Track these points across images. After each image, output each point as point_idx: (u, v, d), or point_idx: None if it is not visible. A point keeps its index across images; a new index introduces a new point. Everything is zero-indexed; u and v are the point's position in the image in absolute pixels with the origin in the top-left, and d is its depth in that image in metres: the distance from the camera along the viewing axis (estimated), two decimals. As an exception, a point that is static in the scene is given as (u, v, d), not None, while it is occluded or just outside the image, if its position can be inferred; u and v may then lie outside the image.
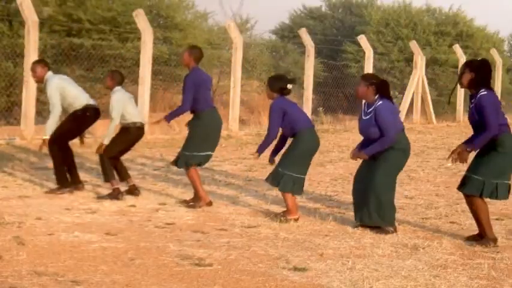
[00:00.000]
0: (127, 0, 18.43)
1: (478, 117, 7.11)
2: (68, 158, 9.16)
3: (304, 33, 19.54)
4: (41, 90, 14.52)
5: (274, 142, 8.32)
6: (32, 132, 13.48)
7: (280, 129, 8.19)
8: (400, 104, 21.51)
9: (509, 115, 7.71)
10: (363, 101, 7.91)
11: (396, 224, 7.76)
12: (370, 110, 7.67)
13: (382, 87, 7.73)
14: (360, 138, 8.00)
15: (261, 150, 8.24)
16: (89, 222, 7.58)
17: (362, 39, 21.59)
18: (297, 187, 8.04)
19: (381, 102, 7.64)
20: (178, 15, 20.12)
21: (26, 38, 13.70)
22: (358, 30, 27.32)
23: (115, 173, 9.01)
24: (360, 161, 7.94)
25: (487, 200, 7.31)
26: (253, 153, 8.46)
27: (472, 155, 7.35)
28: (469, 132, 7.53)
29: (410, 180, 11.01)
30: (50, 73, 9.11)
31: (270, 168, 8.39)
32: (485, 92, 7.12)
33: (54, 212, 7.91)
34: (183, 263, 6.16)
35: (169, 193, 9.41)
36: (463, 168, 7.64)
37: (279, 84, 8.19)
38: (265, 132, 8.22)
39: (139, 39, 15.92)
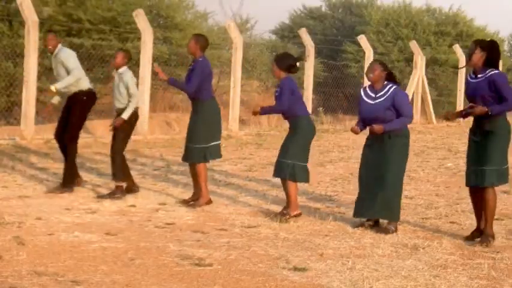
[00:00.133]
0: (127, 0, 18.42)
1: (491, 92, 7.16)
2: None
3: (304, 33, 19.54)
4: (41, 90, 14.56)
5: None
6: (32, 132, 13.48)
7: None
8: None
9: (510, 115, 7.71)
10: (365, 87, 7.91)
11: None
12: (381, 94, 7.73)
13: (391, 75, 7.94)
14: (358, 136, 7.99)
15: (264, 111, 8.34)
16: (89, 222, 7.58)
17: (362, 39, 21.59)
18: (307, 175, 8.18)
19: (395, 86, 7.79)
20: (178, 15, 20.11)
21: (26, 38, 13.70)
22: (358, 30, 27.31)
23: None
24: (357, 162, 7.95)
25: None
26: (255, 109, 8.37)
27: (465, 151, 7.39)
28: (469, 132, 7.56)
29: (410, 180, 11.00)
30: (60, 45, 9.39)
31: (271, 169, 8.38)
32: (498, 71, 7.27)
33: (54, 212, 7.91)
34: (183, 263, 6.16)
35: (169, 193, 9.41)
36: (463, 168, 7.64)
37: (288, 61, 8.22)
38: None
39: (139, 39, 15.92)
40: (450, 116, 7.65)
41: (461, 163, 7.68)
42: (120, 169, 8.92)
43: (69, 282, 5.48)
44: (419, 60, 22.35)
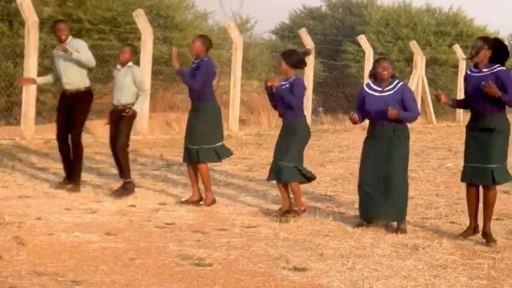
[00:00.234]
0: (127, 0, 18.41)
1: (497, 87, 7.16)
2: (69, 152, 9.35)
3: (304, 33, 19.53)
4: (41, 90, 14.56)
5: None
6: (32, 132, 13.47)
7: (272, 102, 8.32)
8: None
9: (509, 115, 7.71)
10: (368, 83, 7.92)
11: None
12: (389, 88, 7.76)
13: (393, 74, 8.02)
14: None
15: (279, 90, 8.14)
16: (89, 222, 7.58)
17: (362, 39, 21.59)
18: (311, 176, 8.34)
19: (402, 82, 7.87)
20: (178, 15, 20.09)
21: (26, 38, 13.69)
22: (358, 30, 27.30)
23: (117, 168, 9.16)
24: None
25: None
26: (273, 81, 8.24)
27: (462, 148, 7.43)
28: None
29: (410, 180, 10.96)
30: (71, 37, 9.43)
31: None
32: (504, 68, 7.30)
33: (54, 212, 7.91)
34: (183, 263, 6.16)
35: (169, 193, 9.41)
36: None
37: (296, 57, 8.24)
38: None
39: (139, 39, 15.91)
40: (442, 97, 7.55)
41: (461, 163, 7.66)
42: (127, 165, 8.98)
43: (69, 282, 5.48)
44: (419, 60, 22.35)
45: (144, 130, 14.94)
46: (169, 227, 7.48)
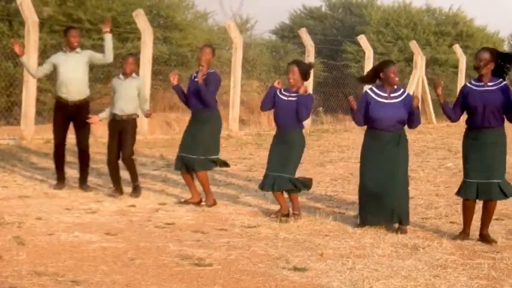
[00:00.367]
0: (127, 0, 18.42)
1: (505, 102, 7.18)
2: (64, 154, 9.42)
3: (304, 33, 19.53)
4: (41, 90, 14.56)
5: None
6: (32, 132, 13.47)
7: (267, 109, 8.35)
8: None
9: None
10: (371, 87, 7.87)
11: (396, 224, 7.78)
12: (396, 94, 7.74)
13: None
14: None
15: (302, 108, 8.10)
16: (89, 222, 7.58)
17: (362, 39, 21.59)
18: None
19: (407, 91, 7.91)
20: (178, 15, 20.10)
21: (26, 38, 13.69)
22: (358, 30, 27.30)
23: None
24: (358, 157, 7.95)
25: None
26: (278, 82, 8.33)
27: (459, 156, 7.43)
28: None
29: (410, 180, 10.98)
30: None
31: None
32: (506, 81, 7.35)
33: (54, 212, 7.91)
34: (183, 263, 6.16)
35: (169, 193, 9.41)
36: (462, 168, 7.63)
37: (307, 68, 8.25)
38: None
39: (139, 39, 15.92)
40: (439, 89, 7.53)
41: (461, 163, 7.66)
42: (135, 170, 9.12)
43: (69, 282, 5.48)
44: (419, 60, 22.35)
45: (144, 130, 14.94)
46: (169, 227, 7.48)
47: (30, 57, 13.44)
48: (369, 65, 21.10)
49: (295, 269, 6.14)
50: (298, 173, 8.35)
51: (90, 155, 9.46)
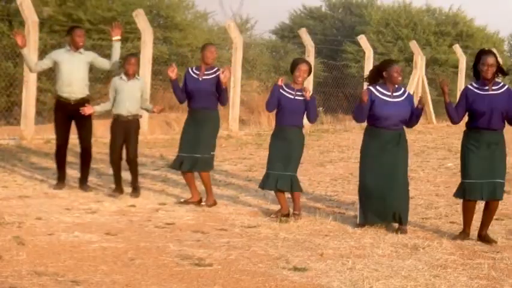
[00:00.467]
0: (127, 0, 18.42)
1: (510, 105, 7.21)
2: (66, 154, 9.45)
3: (304, 33, 19.53)
4: (41, 90, 14.56)
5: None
6: (32, 132, 13.47)
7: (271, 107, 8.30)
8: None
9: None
10: (375, 85, 7.84)
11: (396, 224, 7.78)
12: (398, 93, 7.77)
13: None
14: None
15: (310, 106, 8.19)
16: (89, 222, 7.58)
17: (362, 39, 21.59)
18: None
19: (408, 90, 7.97)
20: (178, 15, 20.10)
21: (26, 38, 13.67)
22: (358, 30, 27.31)
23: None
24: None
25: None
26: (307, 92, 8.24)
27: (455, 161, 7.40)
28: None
29: (410, 180, 10.97)
30: None
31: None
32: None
33: (54, 212, 7.91)
34: (183, 263, 6.16)
35: (169, 193, 9.41)
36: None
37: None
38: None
39: (139, 39, 15.92)
40: (445, 88, 7.60)
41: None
42: (137, 171, 9.21)
43: (69, 282, 5.48)
44: (419, 60, 22.35)
45: (144, 130, 14.92)
46: (169, 227, 7.48)
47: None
48: (368, 65, 21.09)
49: (295, 269, 6.14)
50: (298, 173, 8.34)
51: (92, 154, 9.44)
